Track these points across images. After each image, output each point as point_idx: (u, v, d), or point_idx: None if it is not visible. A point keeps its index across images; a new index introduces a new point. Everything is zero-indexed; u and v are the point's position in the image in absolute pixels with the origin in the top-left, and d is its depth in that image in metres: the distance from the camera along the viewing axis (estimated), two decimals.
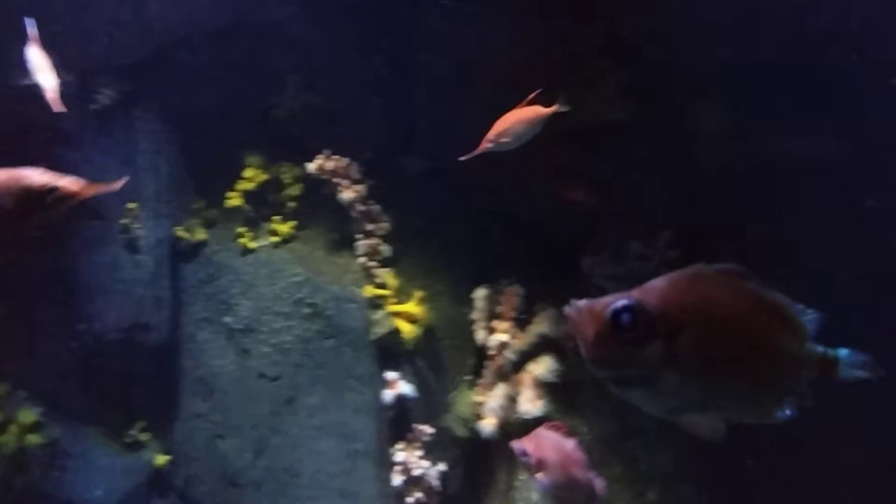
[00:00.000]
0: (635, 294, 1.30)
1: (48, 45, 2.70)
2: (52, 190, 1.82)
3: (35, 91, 2.55)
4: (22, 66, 2.48)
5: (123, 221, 3.74)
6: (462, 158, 2.74)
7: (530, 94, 2.69)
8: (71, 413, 4.02)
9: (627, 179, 3.45)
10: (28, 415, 3.75)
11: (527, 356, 3.45)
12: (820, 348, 1.35)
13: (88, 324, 3.81)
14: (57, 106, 2.41)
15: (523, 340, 3.46)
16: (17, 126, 3.53)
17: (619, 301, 1.28)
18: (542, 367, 3.33)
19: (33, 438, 3.73)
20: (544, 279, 3.60)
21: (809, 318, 1.35)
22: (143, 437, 4.04)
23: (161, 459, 3.99)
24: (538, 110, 2.72)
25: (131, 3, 3.60)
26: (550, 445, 2.34)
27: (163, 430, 4.07)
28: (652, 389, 1.32)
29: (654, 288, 1.32)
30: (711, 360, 1.30)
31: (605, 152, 3.41)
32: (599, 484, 2.32)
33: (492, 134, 2.72)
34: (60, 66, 2.63)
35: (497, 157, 3.65)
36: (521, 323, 3.55)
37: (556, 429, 2.37)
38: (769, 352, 1.33)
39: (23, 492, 3.76)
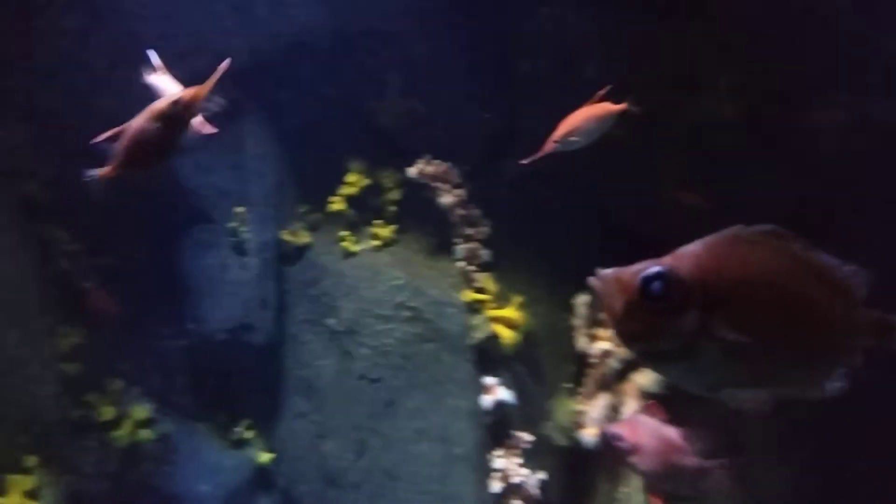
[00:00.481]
0: (667, 260, 1.17)
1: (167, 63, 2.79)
2: (177, 102, 1.99)
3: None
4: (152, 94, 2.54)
5: (231, 225, 3.86)
6: (525, 161, 2.64)
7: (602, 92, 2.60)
8: (180, 410, 4.18)
9: (740, 179, 3.30)
10: (141, 410, 3.91)
11: (631, 365, 3.35)
12: (876, 312, 1.20)
13: (197, 324, 3.95)
14: (207, 129, 2.51)
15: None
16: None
17: (650, 268, 1.14)
18: (648, 377, 3.22)
19: (145, 434, 3.89)
20: None
21: (861, 280, 1.20)
22: (248, 434, 4.15)
23: (265, 457, 4.09)
24: (607, 107, 2.63)
25: (239, 13, 3.71)
26: (647, 431, 2.19)
27: (266, 428, 4.17)
28: (689, 364, 1.18)
29: (689, 253, 1.17)
30: (753, 330, 1.15)
31: (717, 151, 3.27)
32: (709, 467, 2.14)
33: (558, 133, 2.60)
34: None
35: (601, 158, 3.58)
36: None
37: (655, 414, 2.22)
38: (817, 319, 1.18)
39: (135, 485, 3.93)
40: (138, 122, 2.05)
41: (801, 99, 3.23)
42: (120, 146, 2.08)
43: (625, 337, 1.20)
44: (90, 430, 3.82)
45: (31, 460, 3.44)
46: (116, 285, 3.92)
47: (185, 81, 3.19)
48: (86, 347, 3.85)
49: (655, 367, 1.26)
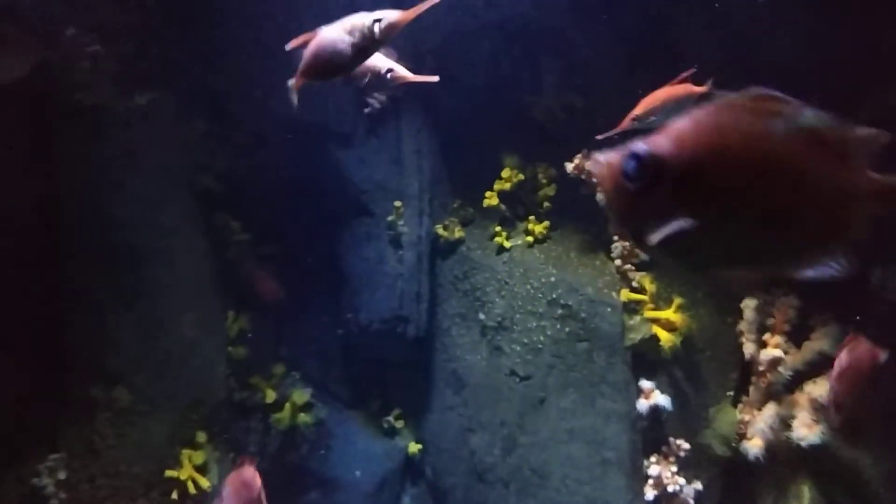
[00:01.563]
0: (652, 137, 1.10)
1: None
2: (378, 21, 2.01)
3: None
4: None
5: (390, 218, 3.94)
6: (600, 137, 2.60)
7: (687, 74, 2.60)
8: (336, 396, 4.34)
9: None
10: (301, 395, 4.08)
11: (802, 375, 3.14)
12: (884, 177, 1.06)
13: (355, 313, 4.07)
14: (402, 78, 2.51)
15: (799, 357, 3.15)
16: (301, 128, 3.88)
17: (630, 147, 1.10)
18: (823, 388, 3.00)
19: (304, 418, 4.05)
20: (823, 290, 3.26)
21: (868, 142, 1.05)
22: (398, 424, 4.24)
23: (414, 447, 4.16)
24: (689, 88, 2.60)
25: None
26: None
27: (416, 419, 4.25)
28: (673, 241, 1.10)
29: (674, 127, 1.11)
30: (736, 203, 1.05)
31: None
32: None
33: (637, 110, 2.58)
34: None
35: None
36: (796, 338, 3.24)
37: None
38: (810, 187, 1.05)
39: (293, 467, 4.11)
40: (332, 31, 2.07)
41: None
42: (308, 53, 2.12)
43: (616, 219, 1.21)
44: (254, 412, 4.03)
45: (201, 437, 3.67)
46: (281, 274, 4.11)
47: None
48: (252, 332, 4.06)
49: (647, 248, 1.17)
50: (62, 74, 3.31)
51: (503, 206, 3.97)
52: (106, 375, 3.49)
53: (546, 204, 3.92)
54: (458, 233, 4.05)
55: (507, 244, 3.89)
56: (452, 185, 4.23)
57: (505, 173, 3.96)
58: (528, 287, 3.74)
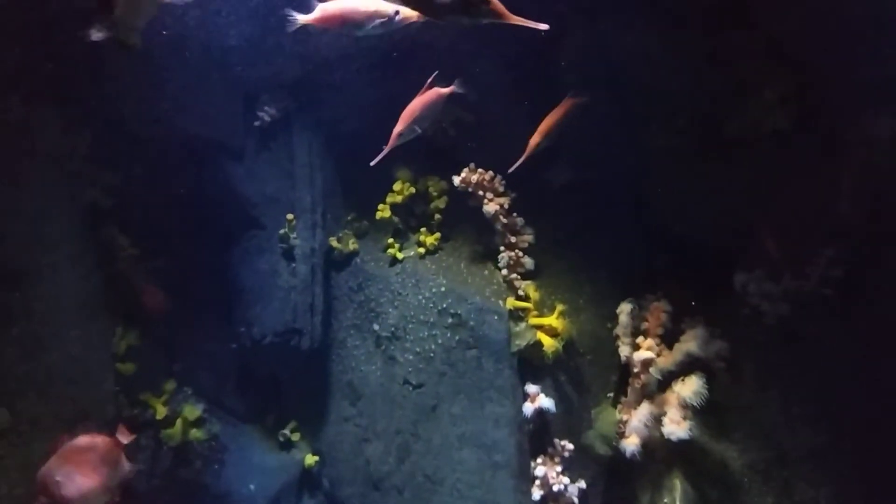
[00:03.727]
0: None
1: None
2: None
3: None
4: None
5: (282, 231, 3.96)
6: (372, 163, 2.96)
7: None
8: (229, 411, 4.31)
9: (787, 191, 3.26)
10: (192, 411, 4.04)
11: (673, 375, 3.33)
12: None
13: (248, 327, 4.07)
14: (407, 18, 2.62)
15: (670, 359, 3.34)
16: (182, 142, 3.87)
17: None
18: (689, 387, 3.20)
19: (197, 433, 4.02)
20: (692, 295, 3.48)
21: None
22: (294, 437, 4.25)
23: (310, 459, 4.18)
24: (436, 92, 2.90)
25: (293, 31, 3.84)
26: None
27: (312, 431, 4.26)
28: None
29: None
30: None
31: (764, 162, 3.24)
32: None
33: (399, 127, 2.86)
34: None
35: (645, 168, 3.57)
36: (668, 340, 3.44)
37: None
38: None
39: (185, 483, 4.06)
40: None
41: (852, 109, 3.18)
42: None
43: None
44: (145, 428, 3.96)
45: None
46: (171, 288, 4.06)
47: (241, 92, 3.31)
48: (141, 348, 4.00)
49: None
50: None
51: (396, 219, 4.05)
52: None
53: (437, 216, 4.03)
54: (352, 245, 4.11)
55: (399, 255, 3.98)
56: (346, 198, 4.28)
57: (397, 186, 4.04)
58: (420, 297, 3.83)
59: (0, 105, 3.37)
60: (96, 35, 2.31)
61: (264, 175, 4.02)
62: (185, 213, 4.00)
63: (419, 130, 2.84)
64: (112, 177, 3.87)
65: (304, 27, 2.62)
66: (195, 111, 3.82)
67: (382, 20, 2.55)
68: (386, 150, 2.88)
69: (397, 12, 2.54)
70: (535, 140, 3.05)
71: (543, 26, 2.15)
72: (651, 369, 3.33)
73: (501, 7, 2.19)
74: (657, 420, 3.31)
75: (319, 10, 2.58)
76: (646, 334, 3.43)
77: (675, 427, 3.20)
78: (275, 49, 3.76)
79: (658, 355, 3.38)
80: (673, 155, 3.48)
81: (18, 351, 3.48)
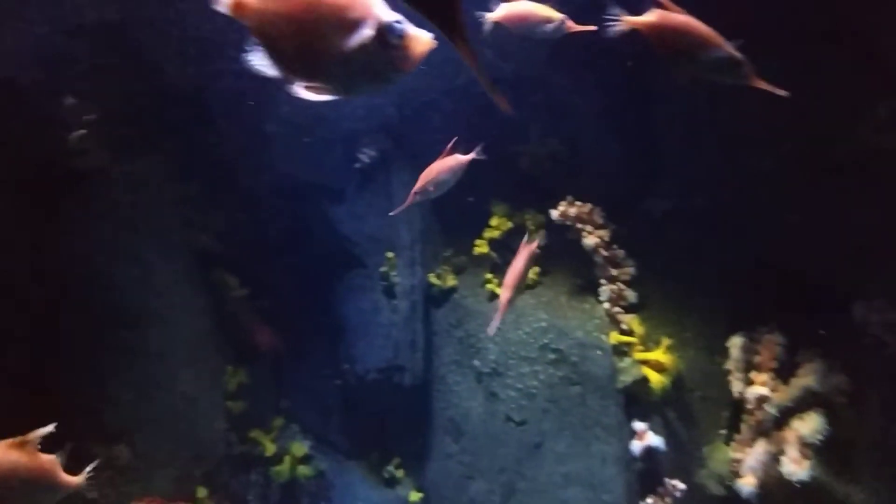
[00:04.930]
0: None
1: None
2: None
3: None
4: None
5: (383, 269, 4.03)
6: (393, 213, 3.18)
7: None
8: (335, 447, 4.37)
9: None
10: (300, 448, 4.12)
11: (790, 411, 3.16)
12: None
13: (352, 364, 4.14)
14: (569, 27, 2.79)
15: (786, 394, 3.18)
16: (286, 186, 4.00)
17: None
18: (809, 425, 3.03)
19: (304, 470, 4.09)
20: (808, 326, 3.31)
21: None
22: (399, 473, 4.26)
23: (415, 496, 4.18)
24: (457, 159, 2.91)
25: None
26: None
27: (416, 467, 4.27)
28: None
29: None
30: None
31: (879, 184, 3.07)
32: None
33: (418, 186, 2.88)
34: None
35: (750, 194, 3.45)
36: (783, 375, 3.27)
37: None
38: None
39: None
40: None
41: None
42: None
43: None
44: (254, 465, 4.07)
45: (202, 492, 3.70)
46: (278, 327, 4.18)
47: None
48: (250, 386, 4.12)
49: None
50: (60, 142, 3.44)
51: (494, 254, 4.05)
52: (106, 434, 3.54)
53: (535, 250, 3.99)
54: (451, 281, 4.13)
55: (498, 290, 3.95)
56: (444, 234, 4.31)
57: (494, 221, 4.05)
58: (520, 332, 3.80)
59: (122, 159, 3.58)
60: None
61: (364, 214, 4.10)
62: (289, 254, 4.13)
63: (435, 192, 2.93)
64: (221, 222, 4.03)
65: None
66: (298, 157, 3.96)
67: (553, 25, 2.75)
68: (403, 206, 2.98)
69: (563, 21, 2.75)
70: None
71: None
72: (766, 406, 3.18)
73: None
74: (774, 459, 3.15)
75: (504, 10, 2.79)
76: (759, 368, 3.28)
77: (795, 467, 3.03)
78: (368, 98, 3.87)
79: (773, 391, 3.22)
80: (780, 179, 3.35)
81: (136, 390, 3.64)
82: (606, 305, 3.64)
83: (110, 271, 3.60)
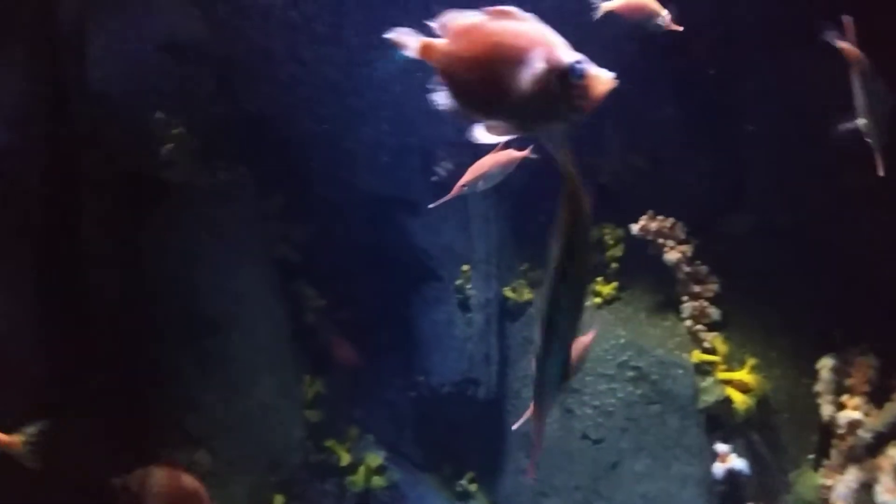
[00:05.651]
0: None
1: None
2: None
3: None
4: None
5: (458, 282, 4.03)
6: (432, 206, 2.98)
7: None
8: (409, 459, 4.38)
9: None
10: (374, 458, 4.14)
11: (885, 437, 3.02)
12: None
13: (426, 376, 4.15)
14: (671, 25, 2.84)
15: (880, 419, 3.04)
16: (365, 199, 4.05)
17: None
18: None
19: (378, 480, 4.11)
20: None
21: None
22: (472, 487, 4.24)
23: None
24: (510, 154, 2.84)
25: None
26: None
27: (489, 482, 4.24)
28: None
29: None
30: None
31: None
32: None
33: (466, 178, 2.85)
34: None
35: (839, 212, 3.32)
36: (877, 399, 3.13)
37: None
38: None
39: None
40: None
41: None
42: None
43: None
44: (329, 474, 4.10)
45: (279, 499, 3.75)
46: (355, 338, 4.23)
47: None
48: (327, 396, 4.16)
49: None
50: (150, 154, 3.56)
51: None
52: (188, 439, 3.62)
53: (614, 264, 3.94)
54: (527, 295, 4.11)
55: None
56: (520, 247, 4.29)
57: None
58: (598, 349, 3.73)
59: (209, 171, 3.69)
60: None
61: (440, 228, 4.12)
62: (366, 266, 4.17)
63: (483, 186, 2.90)
64: (300, 233, 4.10)
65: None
66: (377, 171, 4.01)
67: (663, 19, 2.79)
68: (446, 197, 2.93)
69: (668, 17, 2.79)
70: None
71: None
72: (859, 431, 3.04)
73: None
74: (867, 487, 3.01)
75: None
76: (851, 391, 3.15)
77: (891, 497, 2.89)
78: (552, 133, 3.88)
79: (866, 415, 3.08)
80: (870, 197, 3.22)
81: (218, 396, 3.72)
82: (688, 323, 3.56)
83: (194, 280, 3.70)
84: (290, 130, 3.90)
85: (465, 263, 4.05)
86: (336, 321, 4.22)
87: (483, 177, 2.89)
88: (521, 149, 2.91)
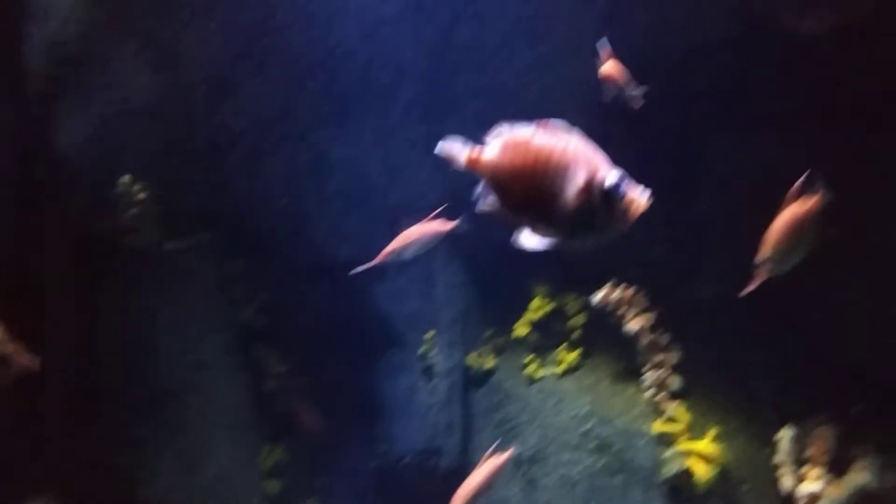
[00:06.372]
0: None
1: None
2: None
3: None
4: None
5: (422, 349, 4.01)
6: (353, 272, 2.92)
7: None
8: None
9: None
10: None
11: None
12: None
13: (388, 445, 4.08)
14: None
15: (839, 491, 3.04)
16: (330, 265, 4.04)
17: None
18: None
19: None
20: (862, 420, 3.18)
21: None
22: None
23: None
24: (439, 225, 2.89)
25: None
26: None
27: None
28: None
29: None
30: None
31: None
32: None
33: (390, 247, 2.87)
34: None
35: (802, 280, 3.38)
36: (836, 468, 3.14)
37: None
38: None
39: None
40: None
41: None
42: None
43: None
44: None
45: None
46: (317, 405, 4.16)
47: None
48: (286, 465, 4.07)
49: None
50: (113, 219, 3.54)
51: (534, 336, 4.01)
52: None
53: (576, 333, 3.95)
54: (490, 362, 4.09)
55: (539, 373, 3.91)
56: (484, 315, 4.30)
57: (535, 303, 4.03)
58: (561, 418, 3.72)
59: (172, 236, 3.67)
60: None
61: (405, 293, 4.12)
62: (329, 332, 4.14)
63: (409, 255, 2.91)
64: (263, 298, 4.08)
65: None
66: (342, 236, 4.02)
67: (637, 89, 2.91)
68: (370, 264, 2.93)
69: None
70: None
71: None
72: (819, 503, 3.04)
73: None
74: None
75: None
76: (811, 462, 3.15)
77: None
78: (415, 176, 3.93)
79: (826, 485, 3.08)
80: (825, 269, 3.29)
81: (175, 465, 3.63)
82: (650, 392, 3.56)
83: (152, 344, 3.65)
84: (254, 195, 3.91)
85: (429, 330, 4.03)
86: (297, 387, 4.15)
87: (409, 246, 2.90)
88: (450, 219, 2.95)
